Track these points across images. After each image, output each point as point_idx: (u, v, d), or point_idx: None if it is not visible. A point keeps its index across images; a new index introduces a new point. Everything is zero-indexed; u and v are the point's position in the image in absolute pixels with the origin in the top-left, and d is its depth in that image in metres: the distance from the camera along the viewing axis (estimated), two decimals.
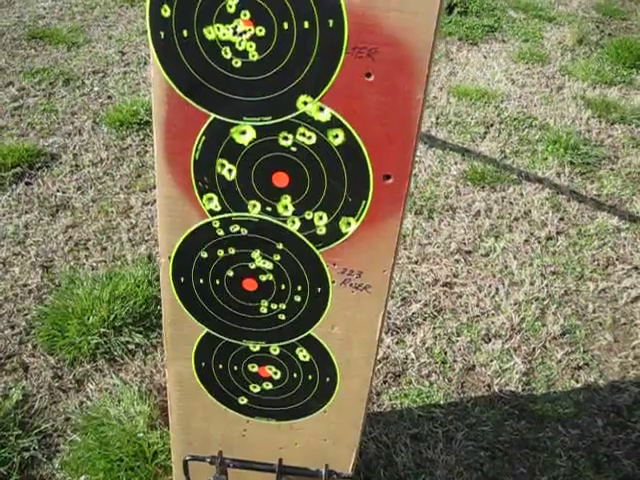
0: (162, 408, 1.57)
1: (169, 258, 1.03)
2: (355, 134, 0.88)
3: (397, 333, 1.90)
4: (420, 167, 2.70)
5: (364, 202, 0.93)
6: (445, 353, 1.86)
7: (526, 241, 2.35)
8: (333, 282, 1.02)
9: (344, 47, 0.82)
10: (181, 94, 0.89)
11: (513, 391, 1.78)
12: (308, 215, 0.96)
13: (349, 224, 0.95)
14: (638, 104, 3.52)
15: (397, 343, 1.87)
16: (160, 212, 0.99)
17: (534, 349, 1.91)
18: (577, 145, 2.98)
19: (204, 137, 0.91)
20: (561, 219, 2.49)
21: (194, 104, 0.89)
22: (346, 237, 0.97)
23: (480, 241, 2.32)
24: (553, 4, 5.34)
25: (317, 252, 0.99)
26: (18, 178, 2.45)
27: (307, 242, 0.98)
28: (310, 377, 1.14)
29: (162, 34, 0.85)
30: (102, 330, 1.76)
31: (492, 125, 3.13)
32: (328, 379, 1.14)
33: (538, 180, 2.72)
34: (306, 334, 1.09)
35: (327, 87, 0.85)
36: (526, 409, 1.74)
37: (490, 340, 1.93)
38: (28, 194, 2.37)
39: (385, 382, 1.76)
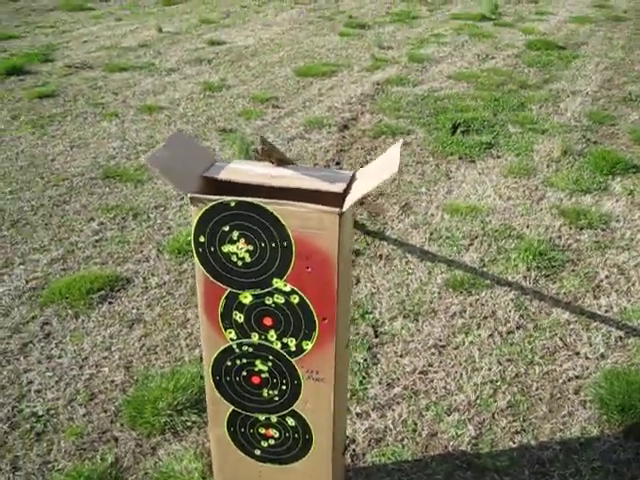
0: (210, 465, 2.29)
1: (209, 366, 1.78)
2: (304, 297, 1.63)
3: (381, 409, 2.59)
4: (412, 278, 3.44)
5: (314, 332, 1.67)
6: (415, 424, 2.54)
7: (490, 335, 3.03)
8: (303, 377, 1.75)
9: (294, 254, 1.58)
10: (211, 278, 1.65)
11: (464, 450, 2.44)
12: (285, 340, 1.70)
13: (308, 344, 1.69)
14: (606, 210, 4.19)
15: (380, 417, 2.56)
16: (203, 340, 1.75)
17: (484, 419, 2.58)
18: (545, 251, 3.66)
19: (225, 300, 1.67)
20: (521, 316, 3.17)
21: (219, 283, 1.66)
22: (307, 352, 1.70)
23: (453, 337, 3.01)
24: (550, 115, 6.04)
25: (292, 360, 1.73)
26: (103, 299, 3.27)
27: (286, 355, 1.72)
28: (296, 435, 1.86)
29: (200, 250, 1.62)
30: (169, 412, 2.50)
31: (476, 237, 3.85)
32: (307, 436, 1.85)
33: (507, 284, 3.41)
34: (291, 409, 1.81)
35: (287, 274, 1.61)
36: (472, 463, 2.39)
37: (451, 413, 2.60)
38: (111, 311, 3.17)
39: (369, 445, 2.44)
